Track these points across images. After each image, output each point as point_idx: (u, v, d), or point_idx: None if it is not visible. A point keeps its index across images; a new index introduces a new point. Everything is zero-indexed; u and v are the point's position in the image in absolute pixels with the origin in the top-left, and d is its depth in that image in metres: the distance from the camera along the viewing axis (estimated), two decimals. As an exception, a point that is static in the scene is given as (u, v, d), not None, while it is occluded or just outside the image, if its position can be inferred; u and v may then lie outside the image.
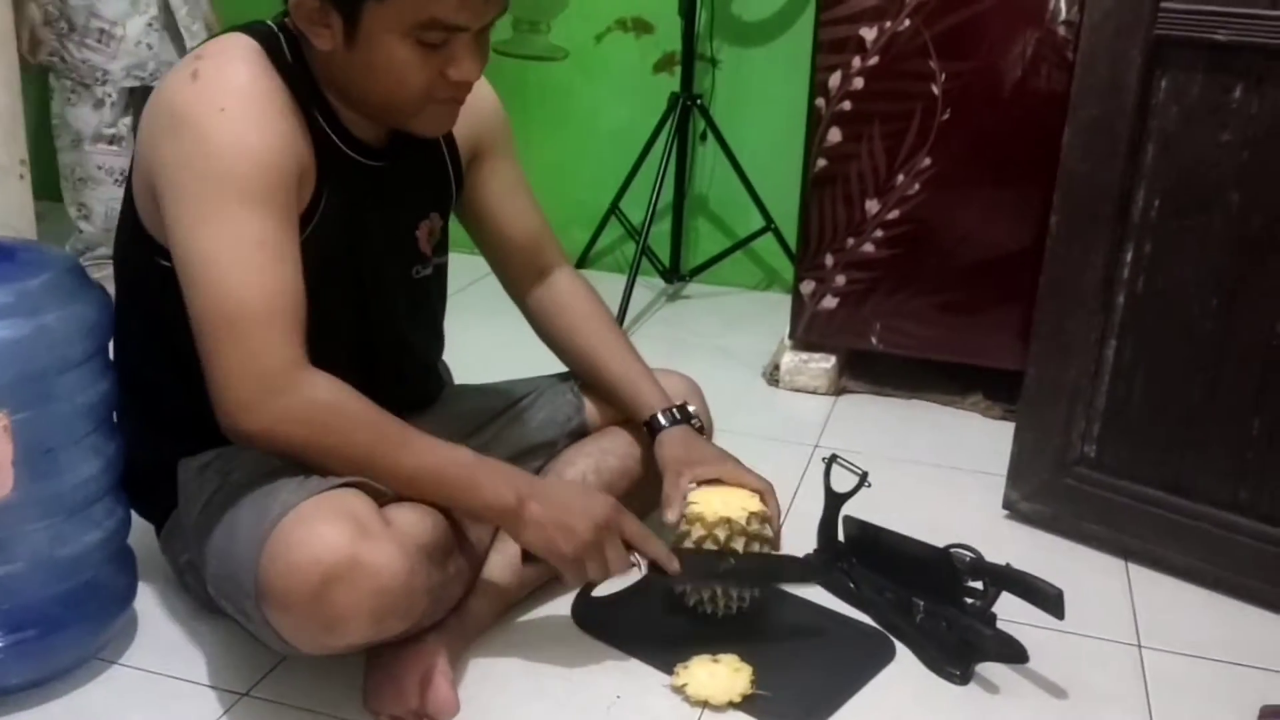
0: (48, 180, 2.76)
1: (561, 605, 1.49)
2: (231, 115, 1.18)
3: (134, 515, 1.38)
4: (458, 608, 1.37)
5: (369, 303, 1.38)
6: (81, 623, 1.30)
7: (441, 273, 1.49)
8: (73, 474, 1.24)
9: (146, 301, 1.34)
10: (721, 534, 1.38)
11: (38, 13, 2.49)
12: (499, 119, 1.51)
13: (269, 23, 1.28)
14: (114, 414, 1.35)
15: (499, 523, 1.31)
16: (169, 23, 2.53)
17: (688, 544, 1.39)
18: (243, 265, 1.17)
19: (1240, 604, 1.61)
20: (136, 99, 2.58)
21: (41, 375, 1.18)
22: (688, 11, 2.77)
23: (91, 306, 1.25)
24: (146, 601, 1.45)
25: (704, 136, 2.98)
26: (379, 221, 1.36)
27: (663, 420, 1.49)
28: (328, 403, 1.20)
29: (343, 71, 1.25)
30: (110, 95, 2.54)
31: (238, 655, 1.37)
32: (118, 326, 1.35)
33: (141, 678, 1.34)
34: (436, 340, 1.56)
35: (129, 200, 1.31)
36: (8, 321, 1.15)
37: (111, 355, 1.34)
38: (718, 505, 1.39)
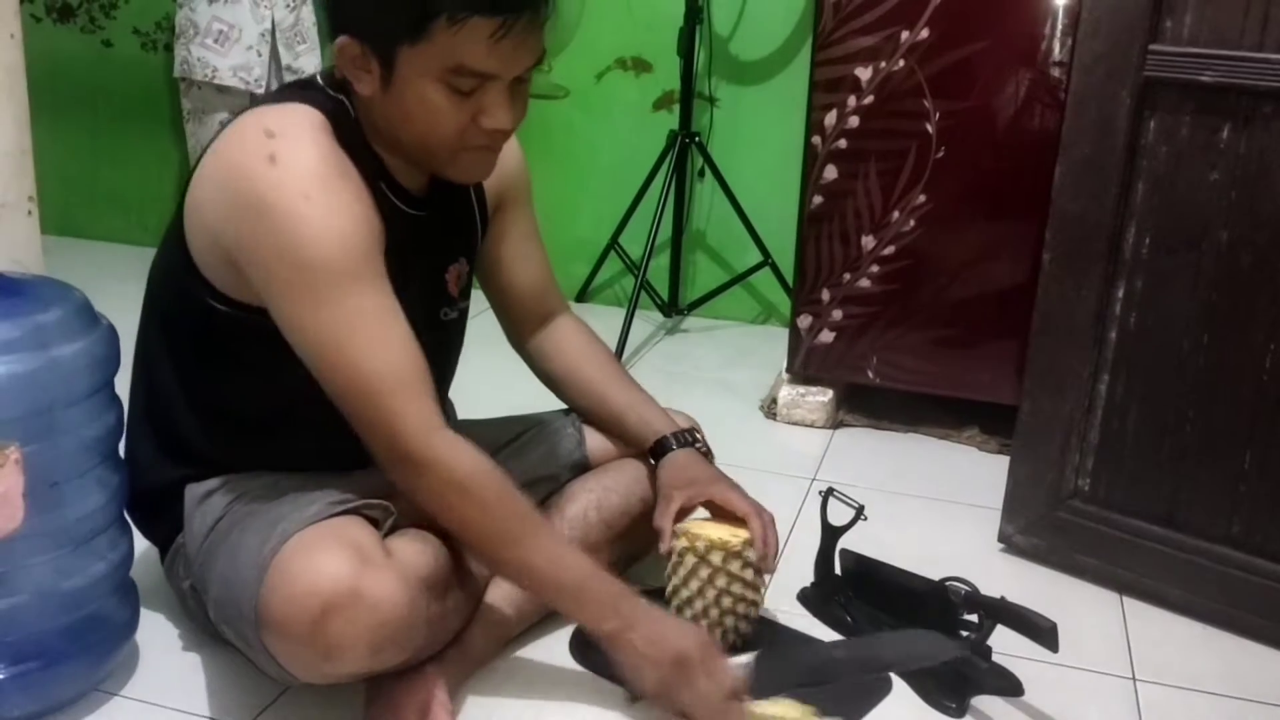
0: (58, 216, 2.82)
1: (561, 638, 1.50)
2: (316, 204, 1.20)
3: (137, 547, 1.39)
4: (457, 639, 1.38)
5: None
6: (84, 655, 1.31)
7: (464, 316, 1.52)
8: (78, 507, 1.25)
9: (180, 333, 1.36)
10: (716, 559, 1.38)
11: None
12: (522, 170, 1.54)
13: (319, 79, 1.31)
14: (123, 440, 1.36)
15: (597, 637, 1.31)
16: (280, 38, 2.88)
17: (680, 572, 1.40)
18: (363, 339, 1.21)
19: (1234, 637, 1.62)
20: None
21: (49, 409, 1.19)
22: (687, 51, 2.81)
23: (99, 342, 1.26)
24: (148, 633, 1.45)
25: (702, 173, 3.01)
26: (417, 267, 1.38)
27: (673, 443, 1.50)
28: (460, 483, 1.24)
29: (383, 116, 1.28)
30: (236, 110, 2.79)
31: (239, 687, 1.38)
32: (141, 349, 1.37)
33: (143, 709, 1.35)
34: (449, 379, 1.58)
35: (180, 239, 1.31)
36: (17, 356, 1.16)
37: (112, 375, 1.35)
38: (703, 537, 1.39)
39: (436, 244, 1.42)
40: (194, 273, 1.30)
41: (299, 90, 1.31)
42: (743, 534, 1.41)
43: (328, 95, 1.29)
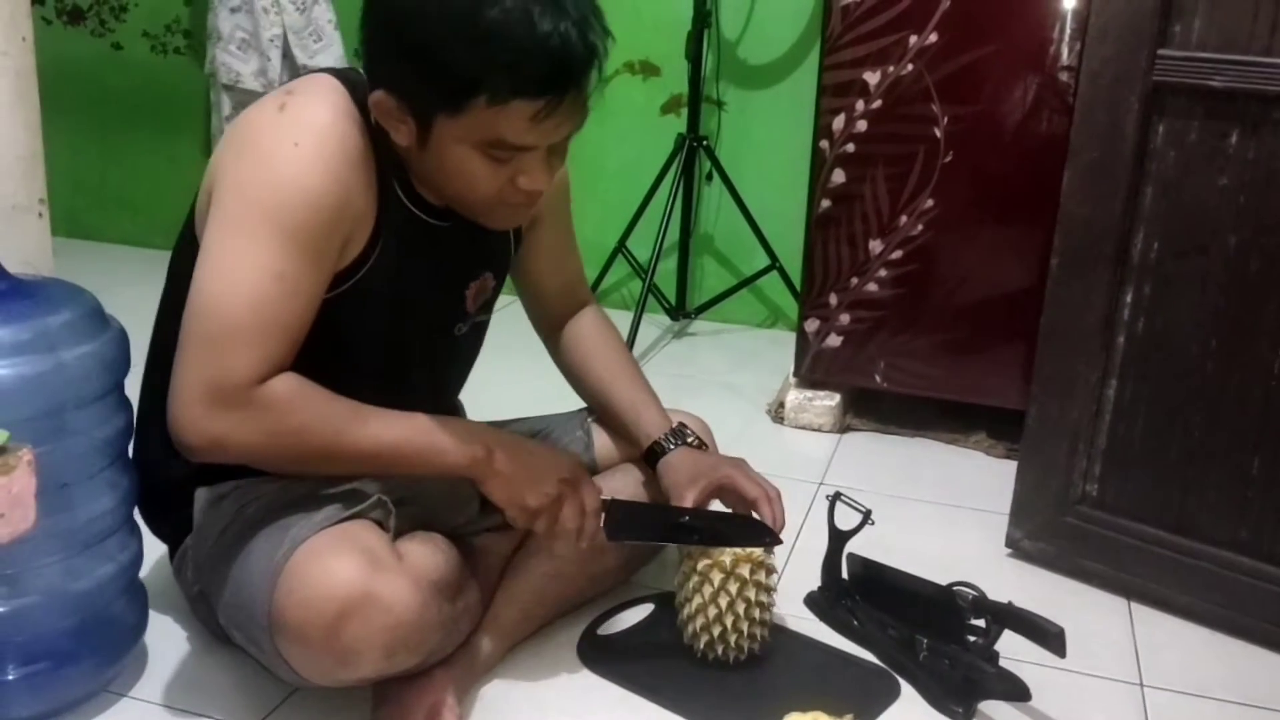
0: (68, 218, 2.83)
1: (569, 643, 1.51)
2: (301, 152, 1.19)
3: (146, 549, 1.40)
4: (466, 643, 1.38)
5: (404, 352, 1.39)
6: (93, 656, 1.31)
7: (480, 329, 1.51)
8: (87, 508, 1.26)
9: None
10: (746, 571, 1.38)
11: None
12: (562, 183, 1.52)
13: (362, 70, 1.29)
14: (136, 438, 1.37)
15: (468, 475, 1.30)
16: (292, 39, 2.96)
17: (693, 580, 1.40)
18: (253, 289, 1.17)
19: (1242, 643, 1.62)
20: None
21: (59, 411, 1.20)
22: (694, 55, 2.81)
23: (109, 344, 1.26)
24: (157, 634, 1.46)
25: (710, 177, 3.02)
26: (430, 278, 1.37)
27: (665, 445, 1.49)
28: (281, 402, 1.19)
29: (418, 164, 1.27)
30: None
31: (247, 688, 1.38)
32: (156, 345, 1.37)
33: (152, 711, 1.35)
34: (461, 383, 1.59)
35: (190, 220, 1.31)
36: (27, 358, 1.17)
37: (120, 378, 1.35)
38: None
39: (458, 257, 1.39)
40: (197, 250, 1.27)
41: (338, 70, 1.30)
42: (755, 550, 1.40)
43: (364, 77, 1.27)
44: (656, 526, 1.42)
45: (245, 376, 1.17)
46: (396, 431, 1.25)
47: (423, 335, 1.41)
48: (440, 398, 1.53)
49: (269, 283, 1.18)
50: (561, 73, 1.16)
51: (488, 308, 1.49)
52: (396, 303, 1.33)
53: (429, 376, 1.46)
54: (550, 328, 1.63)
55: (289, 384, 1.20)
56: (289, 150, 1.19)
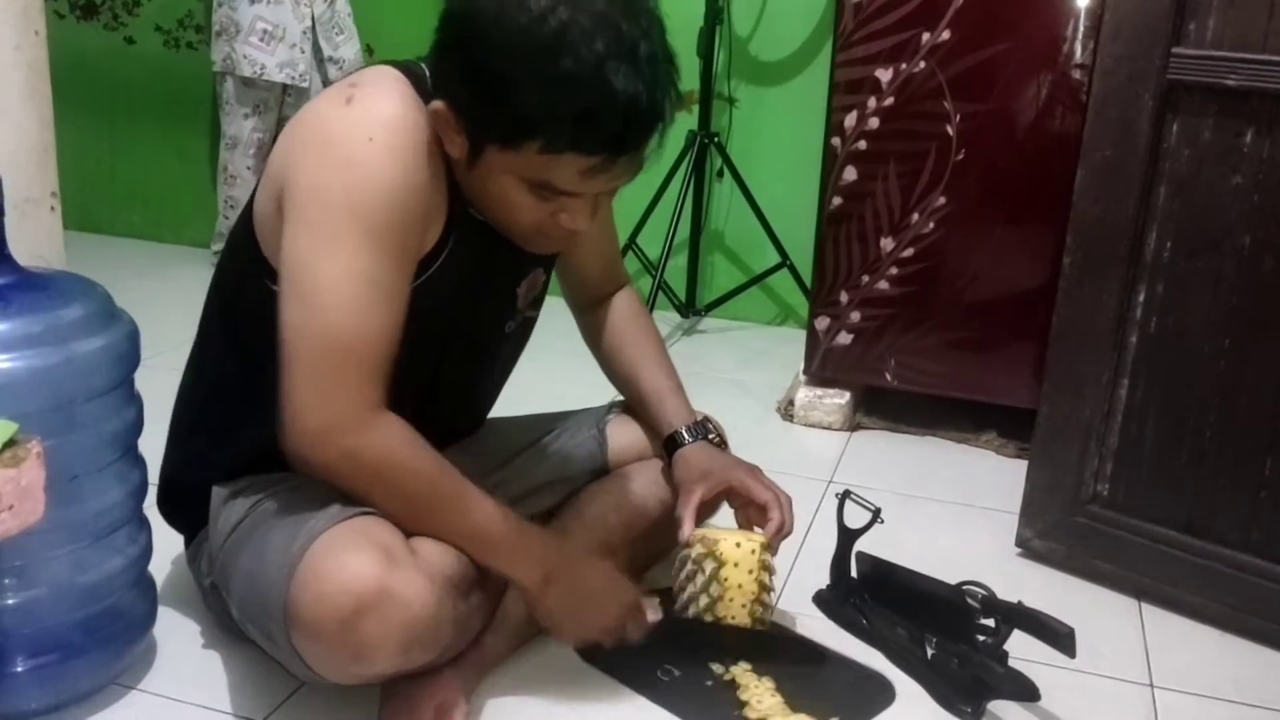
0: (78, 211, 2.83)
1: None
2: (377, 147, 1.16)
3: (156, 543, 1.40)
4: (475, 641, 1.37)
5: (452, 350, 1.38)
6: (101, 648, 1.31)
7: (528, 325, 1.50)
8: (96, 501, 1.26)
9: (238, 319, 1.34)
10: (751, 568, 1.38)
11: None
12: None
13: (423, 65, 1.26)
14: (169, 440, 1.38)
15: (521, 592, 1.32)
16: (319, 31, 3.05)
17: (699, 580, 1.39)
18: (351, 300, 1.16)
19: (1253, 645, 1.61)
20: (287, 109, 3.12)
21: (69, 403, 1.20)
22: (706, 51, 2.81)
23: (120, 337, 1.26)
24: (166, 627, 1.46)
25: (720, 173, 3.01)
26: (490, 273, 1.36)
27: (686, 436, 1.49)
28: (391, 453, 1.20)
29: (465, 178, 1.25)
30: (266, 101, 3.09)
31: (255, 682, 1.38)
32: (201, 343, 1.36)
33: (160, 704, 1.35)
34: (499, 386, 1.58)
35: (247, 218, 1.30)
36: (37, 350, 1.17)
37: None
38: (725, 544, 1.39)
39: (515, 252, 1.36)
40: (255, 250, 1.27)
41: (397, 62, 1.28)
42: (757, 538, 1.40)
43: (425, 74, 1.25)
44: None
45: (360, 398, 1.17)
46: (482, 527, 1.26)
47: (477, 331, 1.40)
48: (465, 407, 1.53)
49: (368, 290, 1.17)
50: (622, 134, 1.14)
51: (537, 304, 1.48)
52: (459, 299, 1.32)
53: (473, 373, 1.46)
54: (584, 306, 1.62)
55: (399, 436, 1.21)
56: (364, 147, 1.16)
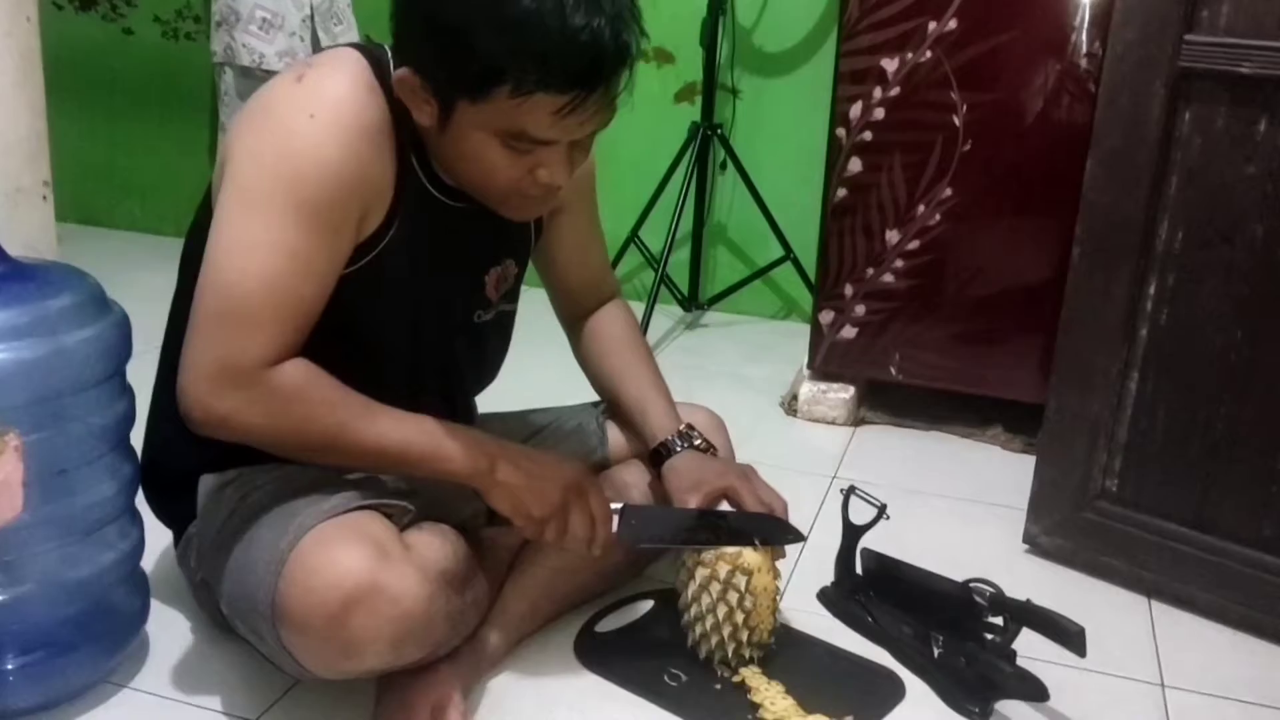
0: (77, 205, 2.81)
1: (572, 639, 1.48)
2: (318, 123, 1.17)
3: (149, 537, 1.38)
4: (472, 637, 1.36)
5: (423, 336, 1.37)
6: (92, 645, 1.29)
7: (505, 319, 1.48)
8: (86, 495, 1.24)
9: None
10: (741, 582, 1.35)
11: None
12: (586, 173, 1.48)
13: (386, 47, 1.26)
14: (148, 423, 1.35)
15: (470, 485, 1.28)
16: (318, 21, 2.99)
17: (697, 581, 1.37)
18: (267, 266, 1.16)
19: (1265, 643, 1.59)
20: None
21: (57, 396, 1.18)
22: (709, 42, 2.78)
23: (110, 329, 1.24)
24: (158, 624, 1.44)
25: (724, 166, 2.99)
26: (448, 260, 1.34)
27: (670, 447, 1.46)
28: (290, 389, 1.18)
29: (438, 146, 1.24)
30: None
31: (249, 680, 1.36)
32: (172, 328, 1.34)
33: (152, 702, 1.34)
34: (488, 377, 1.56)
35: (206, 202, 1.29)
36: (24, 342, 1.15)
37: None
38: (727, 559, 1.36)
39: (478, 241, 1.36)
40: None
41: (361, 44, 1.28)
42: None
43: (388, 53, 1.24)
44: (674, 530, 1.39)
45: (256, 357, 1.16)
46: (402, 433, 1.23)
47: (442, 321, 1.39)
48: (460, 391, 1.51)
49: (283, 260, 1.16)
50: (589, 69, 1.13)
51: (511, 296, 1.46)
52: (412, 284, 1.31)
53: (448, 366, 1.44)
54: (572, 320, 1.60)
55: (299, 371, 1.18)
56: (304, 121, 1.17)
